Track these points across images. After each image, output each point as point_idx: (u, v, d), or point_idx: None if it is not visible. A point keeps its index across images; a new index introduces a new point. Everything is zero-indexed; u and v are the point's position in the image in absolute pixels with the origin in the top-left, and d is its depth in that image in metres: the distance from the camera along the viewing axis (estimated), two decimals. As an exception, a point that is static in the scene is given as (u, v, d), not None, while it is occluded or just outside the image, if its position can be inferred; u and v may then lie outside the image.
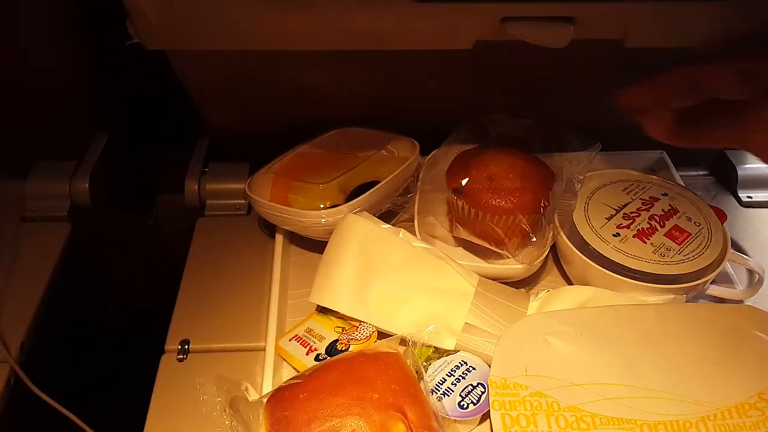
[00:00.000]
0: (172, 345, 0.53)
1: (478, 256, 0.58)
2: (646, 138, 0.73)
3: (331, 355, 0.50)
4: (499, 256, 0.57)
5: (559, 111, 0.68)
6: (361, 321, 0.51)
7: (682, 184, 0.64)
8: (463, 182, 0.55)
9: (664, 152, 0.70)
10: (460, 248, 0.60)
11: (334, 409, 0.40)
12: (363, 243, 0.52)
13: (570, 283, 0.58)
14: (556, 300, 0.52)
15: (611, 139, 0.71)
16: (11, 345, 0.53)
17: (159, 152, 0.82)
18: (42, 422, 0.55)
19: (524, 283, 0.58)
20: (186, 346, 0.53)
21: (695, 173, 0.75)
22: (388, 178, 0.58)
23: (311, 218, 0.56)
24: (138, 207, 0.82)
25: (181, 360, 0.52)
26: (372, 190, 0.57)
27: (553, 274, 0.60)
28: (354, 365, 0.44)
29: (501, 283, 0.54)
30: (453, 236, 0.59)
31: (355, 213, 0.54)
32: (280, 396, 0.43)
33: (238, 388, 0.45)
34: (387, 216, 0.61)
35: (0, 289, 0.57)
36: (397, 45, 0.51)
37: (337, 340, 0.50)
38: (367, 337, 0.49)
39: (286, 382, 0.44)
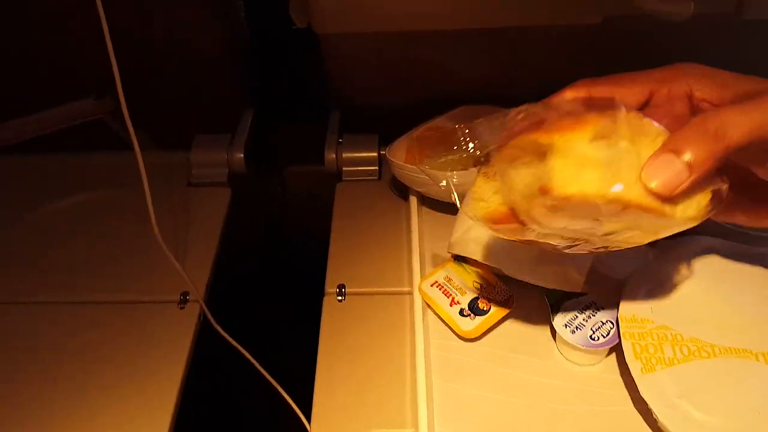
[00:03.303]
0: (331, 288, 0.62)
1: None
2: None
3: (474, 312, 0.57)
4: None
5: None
6: (497, 279, 0.58)
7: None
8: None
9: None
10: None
11: None
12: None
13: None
14: (675, 248, 0.57)
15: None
16: (199, 288, 0.63)
17: (288, 124, 0.92)
18: (223, 362, 0.65)
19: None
20: (343, 289, 0.62)
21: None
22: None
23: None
24: (272, 174, 0.91)
25: (340, 301, 0.61)
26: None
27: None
28: None
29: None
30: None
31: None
32: None
33: None
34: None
35: (182, 241, 0.67)
36: (528, 21, 0.58)
37: (477, 298, 0.58)
38: (506, 299, 0.57)
39: None
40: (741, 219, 0.46)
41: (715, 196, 0.39)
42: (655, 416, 0.47)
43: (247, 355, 0.61)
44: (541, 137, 0.40)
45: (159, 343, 0.58)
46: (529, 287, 0.57)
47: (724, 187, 0.39)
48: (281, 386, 0.60)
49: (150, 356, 0.57)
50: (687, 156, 0.36)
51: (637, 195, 0.38)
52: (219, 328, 0.61)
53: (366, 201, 0.73)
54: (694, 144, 0.36)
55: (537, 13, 0.55)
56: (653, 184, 0.37)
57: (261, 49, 0.84)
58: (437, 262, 0.63)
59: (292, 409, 0.58)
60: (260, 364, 0.61)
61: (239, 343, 0.63)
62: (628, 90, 0.42)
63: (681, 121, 0.40)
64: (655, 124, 0.39)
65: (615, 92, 0.42)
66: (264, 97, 0.90)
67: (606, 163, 0.38)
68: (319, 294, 0.62)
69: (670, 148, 0.37)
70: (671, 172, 0.36)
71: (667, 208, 0.38)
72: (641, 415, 0.50)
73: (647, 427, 0.50)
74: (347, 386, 0.55)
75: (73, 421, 0.53)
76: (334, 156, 0.76)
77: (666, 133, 0.39)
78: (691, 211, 0.39)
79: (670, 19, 0.52)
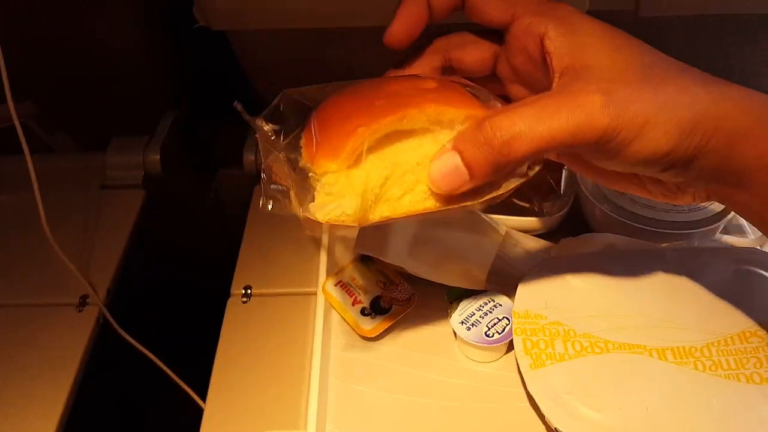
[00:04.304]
0: (236, 290, 0.61)
1: (505, 212, 0.64)
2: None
3: (375, 311, 0.56)
4: (525, 211, 0.63)
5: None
6: (401, 278, 0.58)
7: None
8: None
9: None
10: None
11: None
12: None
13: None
14: (576, 245, 0.57)
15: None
16: (99, 291, 0.61)
17: (218, 127, 0.91)
18: (124, 363, 0.64)
19: (549, 234, 0.63)
20: (249, 291, 0.61)
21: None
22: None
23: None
24: (200, 178, 0.90)
25: (245, 302, 0.60)
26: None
27: (573, 223, 0.65)
28: None
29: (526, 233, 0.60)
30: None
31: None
32: None
33: None
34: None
35: (86, 244, 0.66)
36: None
37: (380, 297, 0.57)
38: (407, 298, 0.56)
39: None
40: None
41: (519, 176, 0.39)
42: (542, 412, 0.47)
43: (147, 352, 0.59)
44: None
45: (53, 346, 0.57)
46: (433, 286, 0.56)
47: (529, 171, 0.39)
48: (189, 387, 0.59)
49: (43, 358, 0.56)
50: (468, 162, 0.35)
51: (433, 204, 0.37)
52: (119, 329, 0.60)
53: (283, 203, 0.72)
54: (477, 153, 0.34)
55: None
56: (435, 187, 0.36)
57: (187, 52, 0.83)
58: (345, 262, 0.62)
59: (197, 406, 0.56)
60: (169, 367, 0.60)
61: (150, 346, 0.61)
62: (492, 5, 0.39)
63: (533, 62, 0.39)
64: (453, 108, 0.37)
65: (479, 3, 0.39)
66: (196, 101, 0.89)
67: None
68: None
69: (454, 147, 0.35)
70: (452, 175, 0.35)
71: (468, 204, 0.37)
72: (535, 411, 0.50)
73: (540, 423, 0.49)
74: (243, 387, 0.54)
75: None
76: (253, 157, 0.75)
77: (471, 116, 0.37)
78: (490, 196, 0.38)
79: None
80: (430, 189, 0.37)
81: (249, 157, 0.75)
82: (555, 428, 0.46)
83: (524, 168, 0.39)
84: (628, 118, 0.33)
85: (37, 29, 0.71)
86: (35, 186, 0.57)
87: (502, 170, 0.35)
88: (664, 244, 0.56)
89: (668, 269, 0.54)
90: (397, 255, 0.57)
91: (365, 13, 0.57)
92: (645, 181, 0.40)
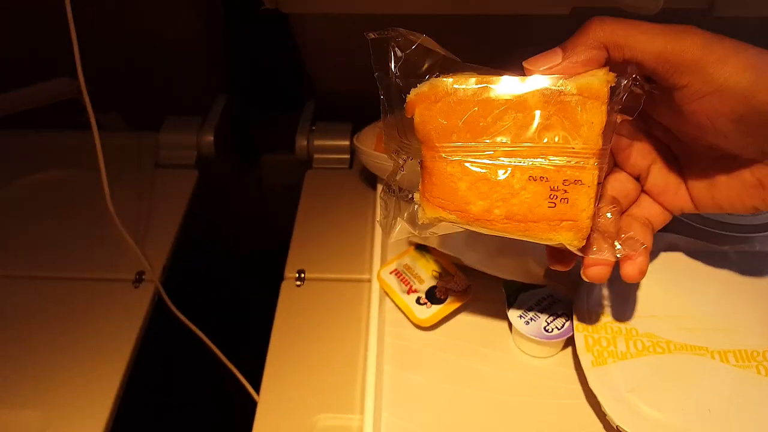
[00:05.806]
0: (290, 273, 0.61)
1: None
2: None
3: (431, 301, 0.56)
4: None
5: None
6: (457, 269, 0.57)
7: None
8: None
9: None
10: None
11: None
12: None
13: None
14: (636, 245, 0.57)
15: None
16: (155, 268, 0.62)
17: (265, 114, 0.91)
18: (176, 341, 0.64)
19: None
20: (302, 275, 0.61)
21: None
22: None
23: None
24: (246, 162, 0.90)
25: (298, 286, 0.60)
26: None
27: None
28: None
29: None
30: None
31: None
32: None
33: None
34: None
35: (143, 222, 0.67)
36: (497, 9, 0.57)
37: (435, 287, 0.57)
38: (464, 290, 0.56)
39: None
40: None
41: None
42: (603, 409, 0.46)
43: (198, 332, 0.60)
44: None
45: (111, 321, 0.57)
46: (488, 278, 0.56)
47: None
48: (237, 369, 0.59)
49: (101, 333, 0.57)
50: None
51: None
52: (173, 307, 0.61)
53: (335, 189, 0.72)
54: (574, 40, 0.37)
55: (506, 1, 0.55)
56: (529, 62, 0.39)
57: (239, 38, 0.83)
58: (399, 250, 0.62)
59: (246, 390, 0.57)
60: (217, 346, 0.61)
61: (200, 324, 0.62)
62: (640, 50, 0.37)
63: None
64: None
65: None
66: (242, 87, 0.89)
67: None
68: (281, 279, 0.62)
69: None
70: (548, 54, 0.38)
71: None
72: (592, 408, 0.50)
73: (597, 420, 0.49)
74: (298, 370, 0.54)
75: (17, 388, 0.53)
76: (305, 143, 0.75)
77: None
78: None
79: (639, 13, 0.52)
80: None
81: (301, 142, 0.75)
82: (617, 426, 0.46)
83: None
84: (718, 45, 0.34)
85: (93, 11, 0.72)
86: (101, 162, 0.58)
87: (589, 46, 0.37)
88: (725, 247, 0.56)
89: (731, 271, 0.53)
90: (453, 246, 0.57)
91: (434, 1, 0.57)
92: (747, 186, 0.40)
